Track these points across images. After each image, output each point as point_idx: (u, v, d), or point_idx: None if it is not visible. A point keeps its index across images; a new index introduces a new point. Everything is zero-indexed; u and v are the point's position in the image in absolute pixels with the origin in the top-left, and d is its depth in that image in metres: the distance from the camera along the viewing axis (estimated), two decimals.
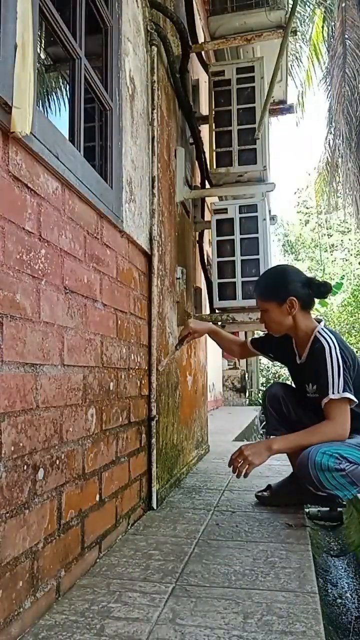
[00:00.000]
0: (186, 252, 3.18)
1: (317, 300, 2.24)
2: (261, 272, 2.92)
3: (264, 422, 2.87)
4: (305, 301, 2.13)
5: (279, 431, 2.29)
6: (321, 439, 1.94)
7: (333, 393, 1.96)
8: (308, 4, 8.99)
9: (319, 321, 2.19)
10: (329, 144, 11.51)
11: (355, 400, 1.98)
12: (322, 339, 2.08)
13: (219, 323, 3.15)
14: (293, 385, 2.40)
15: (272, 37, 3.23)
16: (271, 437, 2.31)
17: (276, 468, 3.12)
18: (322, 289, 2.15)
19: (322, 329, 2.12)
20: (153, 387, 2.23)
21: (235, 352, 2.56)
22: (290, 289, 2.11)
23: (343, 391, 1.95)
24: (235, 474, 1.95)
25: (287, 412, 2.29)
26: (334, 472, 1.87)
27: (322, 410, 2.02)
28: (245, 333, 4.22)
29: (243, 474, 1.92)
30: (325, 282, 2.19)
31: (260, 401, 2.59)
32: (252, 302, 2.95)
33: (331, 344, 2.04)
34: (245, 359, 12.10)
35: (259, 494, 2.32)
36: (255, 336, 2.59)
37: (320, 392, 2.08)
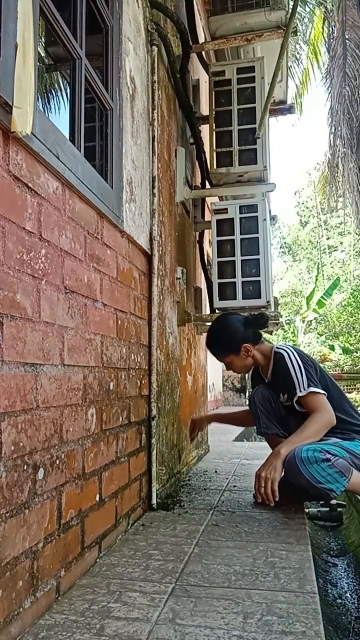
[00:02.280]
0: (186, 252, 3.18)
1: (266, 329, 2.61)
2: (261, 272, 2.94)
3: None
4: (254, 339, 2.40)
5: (270, 429, 2.38)
6: (317, 427, 2.09)
7: (300, 391, 2.16)
8: (308, 3, 8.99)
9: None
10: (331, 144, 11.51)
11: (322, 392, 2.16)
12: (280, 350, 2.31)
13: (206, 339, 3.15)
14: None
15: (272, 37, 3.23)
16: (265, 435, 2.44)
17: None
18: (260, 322, 2.40)
19: (278, 345, 2.37)
20: (153, 387, 2.23)
21: (249, 420, 2.66)
22: (239, 338, 2.36)
23: (308, 387, 2.15)
24: (268, 502, 2.06)
25: (276, 409, 2.38)
26: (321, 463, 1.96)
27: (304, 411, 2.18)
28: None
29: (271, 495, 2.04)
30: (261, 313, 2.47)
31: (248, 404, 2.67)
32: (253, 302, 2.96)
33: (289, 351, 2.28)
34: None
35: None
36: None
37: (290, 398, 2.26)
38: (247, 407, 2.67)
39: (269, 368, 2.37)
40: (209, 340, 2.49)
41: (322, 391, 2.16)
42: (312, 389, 2.14)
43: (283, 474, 2.09)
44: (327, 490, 1.96)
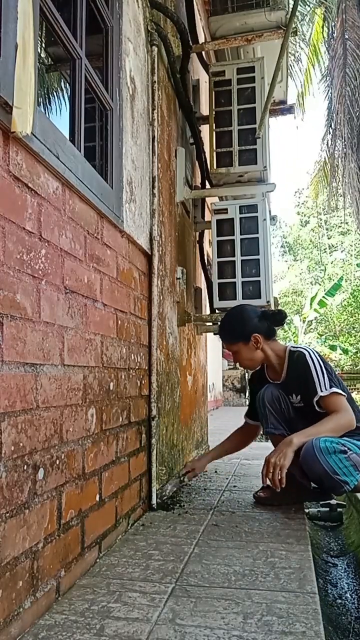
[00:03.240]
0: (186, 252, 3.18)
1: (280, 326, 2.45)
2: (261, 273, 2.94)
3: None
4: (267, 332, 2.33)
5: (278, 429, 2.33)
6: (335, 426, 2.05)
7: (322, 390, 2.11)
8: (308, 3, 8.98)
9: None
10: (328, 145, 11.50)
11: (343, 393, 2.13)
12: (298, 349, 2.27)
13: (219, 323, 3.15)
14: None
15: (272, 37, 3.23)
16: (271, 435, 2.37)
17: None
18: (277, 317, 2.35)
19: (292, 345, 2.33)
20: (153, 387, 2.23)
21: (248, 439, 2.63)
22: (251, 326, 2.30)
23: (330, 387, 2.11)
24: (274, 485, 2.00)
25: (285, 410, 2.33)
26: (339, 454, 1.95)
27: (316, 412, 2.14)
28: None
29: (278, 482, 1.97)
30: (280, 310, 2.40)
31: (257, 404, 2.58)
32: (253, 303, 2.95)
33: (309, 351, 2.24)
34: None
35: (257, 494, 2.32)
36: (246, 412, 2.67)
37: (305, 400, 2.22)
38: (241, 426, 2.63)
39: (283, 367, 2.31)
40: (221, 324, 2.44)
41: (341, 392, 2.12)
42: (335, 389, 2.11)
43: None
44: (342, 482, 1.96)
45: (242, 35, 3.34)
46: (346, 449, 1.98)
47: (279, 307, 2.46)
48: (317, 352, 2.24)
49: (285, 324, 2.40)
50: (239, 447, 2.63)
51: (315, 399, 2.13)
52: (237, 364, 2.47)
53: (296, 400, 2.29)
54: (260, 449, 3.85)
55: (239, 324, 2.34)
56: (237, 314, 2.39)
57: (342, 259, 25.04)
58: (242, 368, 2.53)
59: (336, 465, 1.95)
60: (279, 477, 1.96)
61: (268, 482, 2.03)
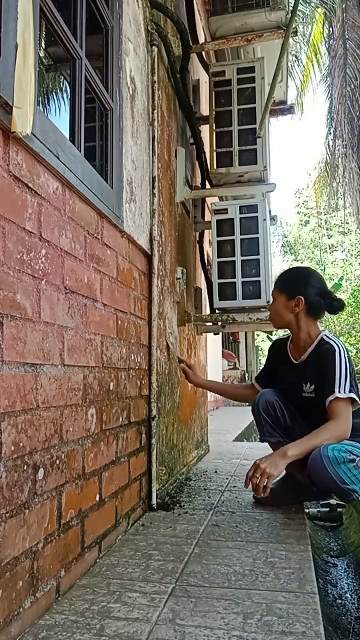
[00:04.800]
0: (186, 252, 3.18)
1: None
2: (261, 273, 2.94)
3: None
4: (314, 308, 2.21)
5: (274, 437, 2.29)
6: (329, 437, 1.97)
7: (339, 392, 2.01)
8: (308, 3, 8.98)
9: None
10: (329, 145, 11.50)
11: (358, 400, 2.03)
12: (330, 341, 2.15)
13: (219, 323, 3.15)
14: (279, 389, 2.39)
15: (272, 37, 3.23)
16: (268, 442, 2.34)
17: None
18: (334, 304, 2.22)
19: (328, 334, 2.21)
20: (153, 387, 2.23)
21: (246, 398, 2.59)
22: (303, 289, 2.20)
23: (349, 391, 2.01)
24: (255, 491, 1.92)
25: (281, 417, 2.28)
26: (348, 463, 1.90)
27: (325, 409, 2.05)
28: (249, 336, 4.25)
29: (262, 489, 1.88)
30: (340, 299, 2.25)
31: (252, 411, 2.52)
32: (253, 303, 2.95)
33: (342, 348, 2.12)
34: (246, 359, 12.11)
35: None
36: (257, 375, 2.61)
37: (318, 392, 2.13)
38: (249, 383, 2.58)
39: (307, 350, 2.21)
40: (284, 271, 2.38)
41: (358, 399, 2.02)
42: (352, 395, 2.01)
43: (283, 474, 2.05)
44: (351, 491, 1.91)
45: (242, 36, 3.35)
46: (354, 456, 1.92)
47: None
48: (347, 352, 2.13)
49: (337, 314, 2.29)
50: (236, 397, 2.62)
51: (331, 398, 2.02)
52: (268, 315, 2.44)
53: (308, 389, 2.19)
54: (259, 448, 3.85)
55: (295, 279, 2.26)
56: (302, 272, 2.33)
57: (342, 259, 25.04)
58: (270, 321, 2.42)
59: (345, 475, 1.89)
60: (263, 485, 1.88)
61: (250, 486, 1.93)
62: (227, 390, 2.61)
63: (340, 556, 2.08)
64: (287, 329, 2.34)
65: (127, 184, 1.99)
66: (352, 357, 2.17)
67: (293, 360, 2.29)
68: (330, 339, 2.18)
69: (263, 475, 1.88)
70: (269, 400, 2.29)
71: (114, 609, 1.25)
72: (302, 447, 1.95)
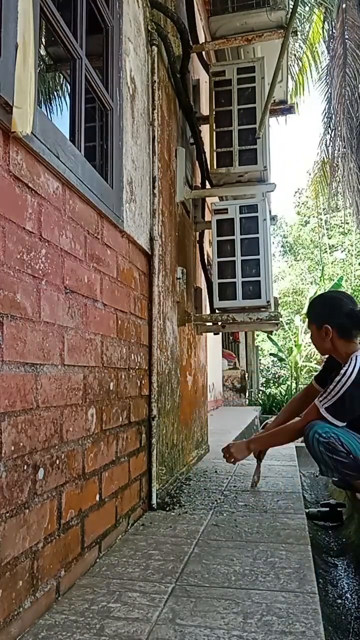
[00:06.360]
0: (186, 252, 3.18)
1: None
2: (261, 273, 2.94)
3: (264, 423, 2.83)
4: (344, 331, 2.17)
5: None
6: (287, 437, 2.25)
7: (320, 402, 2.05)
8: (307, 3, 8.99)
9: None
10: (326, 144, 11.49)
11: (330, 418, 2.01)
12: (351, 361, 2.09)
13: (219, 323, 3.15)
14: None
15: (272, 37, 3.23)
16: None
17: (276, 469, 3.13)
18: None
19: (358, 355, 2.12)
20: (153, 387, 2.23)
21: (306, 402, 2.43)
22: (328, 317, 2.19)
23: (326, 410, 2.02)
24: (227, 461, 2.41)
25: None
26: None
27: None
28: (249, 336, 4.24)
29: (231, 461, 2.39)
30: None
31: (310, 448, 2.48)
32: (252, 303, 2.95)
33: (355, 369, 2.04)
34: (246, 359, 12.09)
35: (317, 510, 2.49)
36: (316, 374, 2.58)
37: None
38: (304, 392, 2.55)
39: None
40: (312, 300, 2.42)
41: (329, 417, 2.01)
42: (326, 413, 2.01)
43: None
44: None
45: (242, 35, 3.35)
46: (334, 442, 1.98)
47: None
48: (358, 376, 2.03)
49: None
50: (300, 408, 2.49)
51: (315, 401, 2.07)
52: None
53: None
54: None
55: (321, 309, 2.27)
56: (326, 300, 2.35)
57: (342, 259, 25.03)
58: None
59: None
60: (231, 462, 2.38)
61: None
62: (291, 416, 2.53)
63: (340, 556, 2.09)
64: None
65: (127, 183, 1.99)
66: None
67: None
68: (353, 359, 2.10)
69: (230, 456, 2.37)
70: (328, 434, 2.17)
71: (113, 609, 1.25)
72: (264, 444, 2.45)
